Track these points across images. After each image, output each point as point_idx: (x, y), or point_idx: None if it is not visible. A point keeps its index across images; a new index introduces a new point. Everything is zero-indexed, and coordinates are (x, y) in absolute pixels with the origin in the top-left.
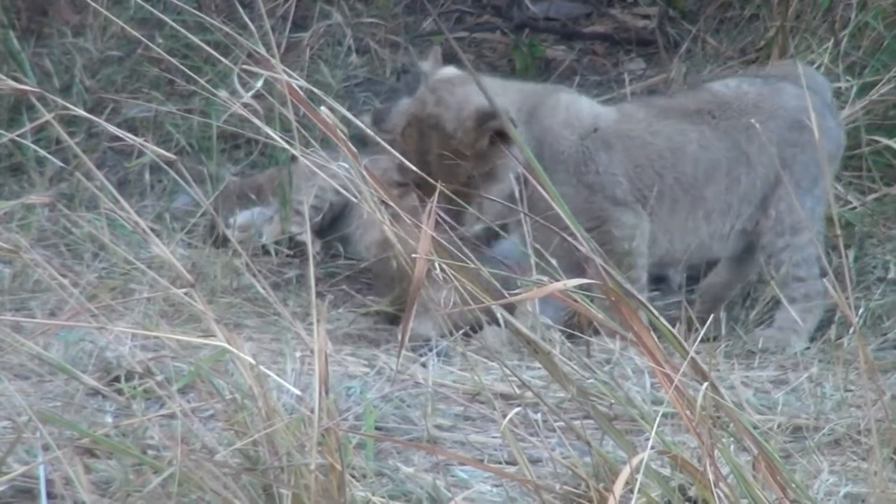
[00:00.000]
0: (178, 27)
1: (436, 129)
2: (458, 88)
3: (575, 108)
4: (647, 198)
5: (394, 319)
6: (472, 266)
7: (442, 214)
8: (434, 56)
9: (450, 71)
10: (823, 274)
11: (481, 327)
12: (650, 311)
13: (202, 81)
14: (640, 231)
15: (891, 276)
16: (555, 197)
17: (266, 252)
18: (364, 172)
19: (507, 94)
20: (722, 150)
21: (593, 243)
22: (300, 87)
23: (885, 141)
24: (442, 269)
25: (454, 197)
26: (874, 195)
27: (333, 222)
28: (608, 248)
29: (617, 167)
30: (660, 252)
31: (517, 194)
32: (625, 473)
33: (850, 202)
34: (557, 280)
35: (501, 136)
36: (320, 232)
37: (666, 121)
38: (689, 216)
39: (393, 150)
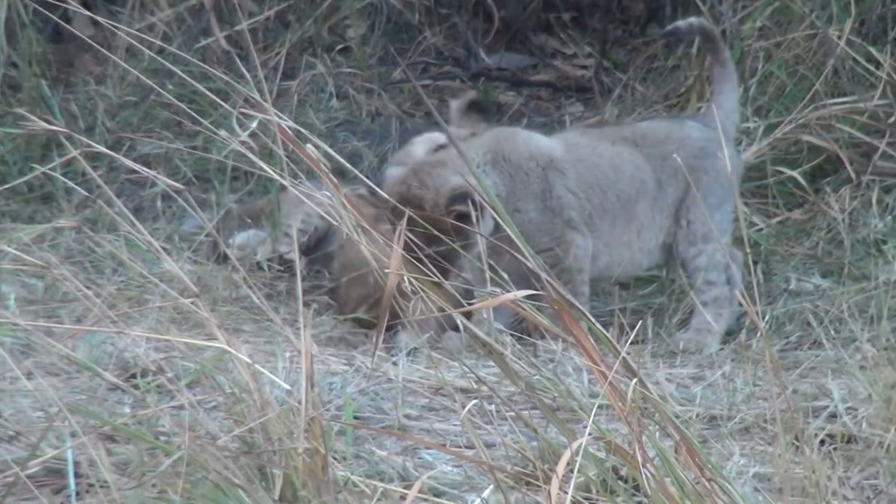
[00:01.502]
0: (185, 76)
1: (419, 208)
2: (436, 170)
3: (533, 142)
4: (593, 216)
5: (372, 326)
6: (437, 280)
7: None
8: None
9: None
10: (730, 282)
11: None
12: (588, 319)
13: (206, 123)
14: (586, 251)
15: (792, 287)
16: (517, 235)
17: (260, 268)
18: (344, 200)
19: (474, 148)
20: (647, 171)
21: (540, 260)
22: (289, 128)
23: (788, 172)
24: (411, 283)
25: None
26: (778, 219)
27: (318, 243)
28: (562, 264)
29: (571, 191)
30: (601, 266)
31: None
32: (566, 456)
33: (758, 224)
34: (509, 291)
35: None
36: (306, 251)
37: (605, 144)
38: (625, 231)
39: (368, 181)
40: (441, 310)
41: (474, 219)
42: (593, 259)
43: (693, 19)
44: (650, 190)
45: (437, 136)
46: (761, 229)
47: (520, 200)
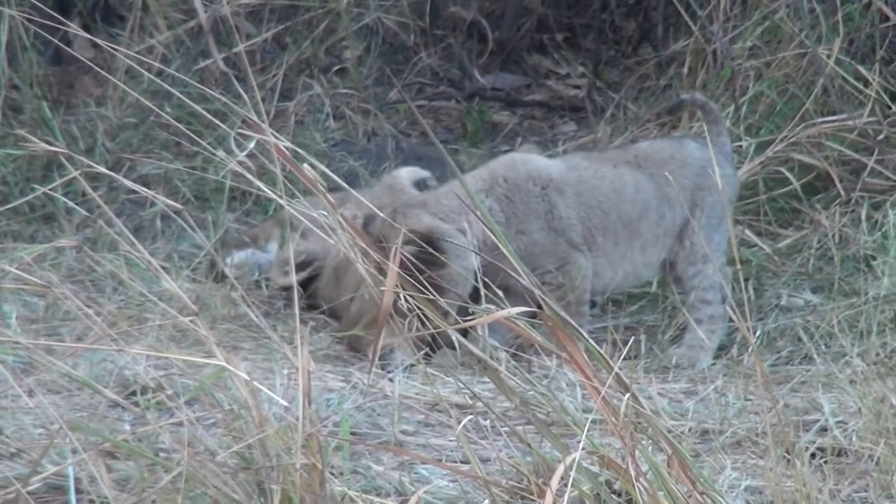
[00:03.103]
0: (183, 98)
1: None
2: (412, 211)
3: (532, 163)
4: (594, 235)
5: (352, 347)
6: (432, 297)
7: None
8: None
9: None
10: (724, 300)
11: (439, 347)
12: (581, 335)
13: (204, 143)
14: (588, 271)
15: (783, 303)
16: (512, 254)
17: (258, 286)
18: (340, 219)
19: (471, 179)
20: (651, 191)
21: (534, 278)
22: (286, 148)
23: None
24: (406, 300)
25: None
26: (785, 241)
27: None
28: (567, 284)
29: (572, 211)
30: (605, 281)
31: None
32: (560, 470)
33: (759, 245)
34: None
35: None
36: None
37: (607, 167)
38: (628, 248)
39: (364, 200)
40: (437, 327)
41: (446, 253)
42: (597, 276)
43: (698, 95)
44: (654, 209)
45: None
46: (754, 246)
47: (523, 223)
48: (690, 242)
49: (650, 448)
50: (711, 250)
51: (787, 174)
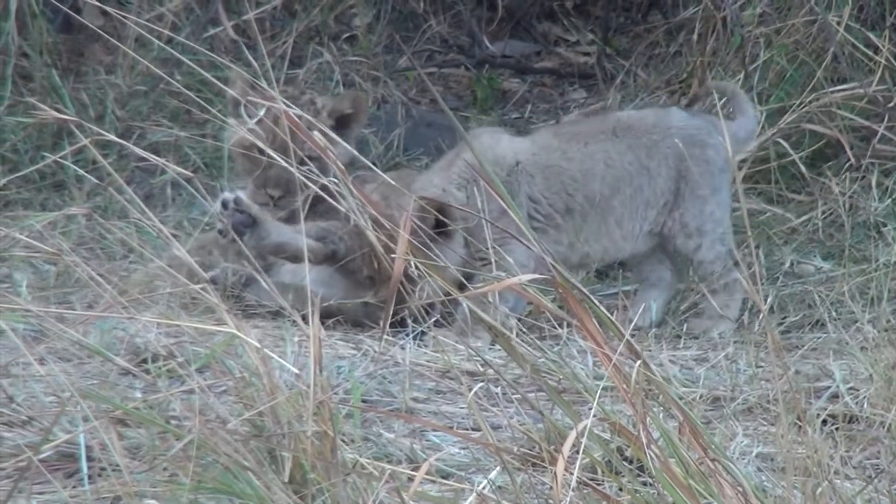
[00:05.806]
0: (193, 66)
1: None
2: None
3: (499, 146)
4: (555, 217)
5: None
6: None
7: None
8: None
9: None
10: (735, 263)
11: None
12: (592, 302)
13: (214, 111)
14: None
15: (794, 270)
16: (520, 219)
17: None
18: (351, 186)
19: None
20: (625, 163)
21: (539, 245)
22: (296, 116)
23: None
24: (417, 268)
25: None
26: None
27: None
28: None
29: (532, 198)
30: (581, 254)
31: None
32: (572, 437)
33: (769, 210)
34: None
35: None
36: None
37: (576, 145)
38: (601, 224)
39: (378, 171)
40: (447, 294)
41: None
42: (571, 249)
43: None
44: (629, 182)
45: None
46: (766, 213)
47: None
48: (680, 214)
49: (661, 415)
50: (703, 221)
51: (798, 142)
